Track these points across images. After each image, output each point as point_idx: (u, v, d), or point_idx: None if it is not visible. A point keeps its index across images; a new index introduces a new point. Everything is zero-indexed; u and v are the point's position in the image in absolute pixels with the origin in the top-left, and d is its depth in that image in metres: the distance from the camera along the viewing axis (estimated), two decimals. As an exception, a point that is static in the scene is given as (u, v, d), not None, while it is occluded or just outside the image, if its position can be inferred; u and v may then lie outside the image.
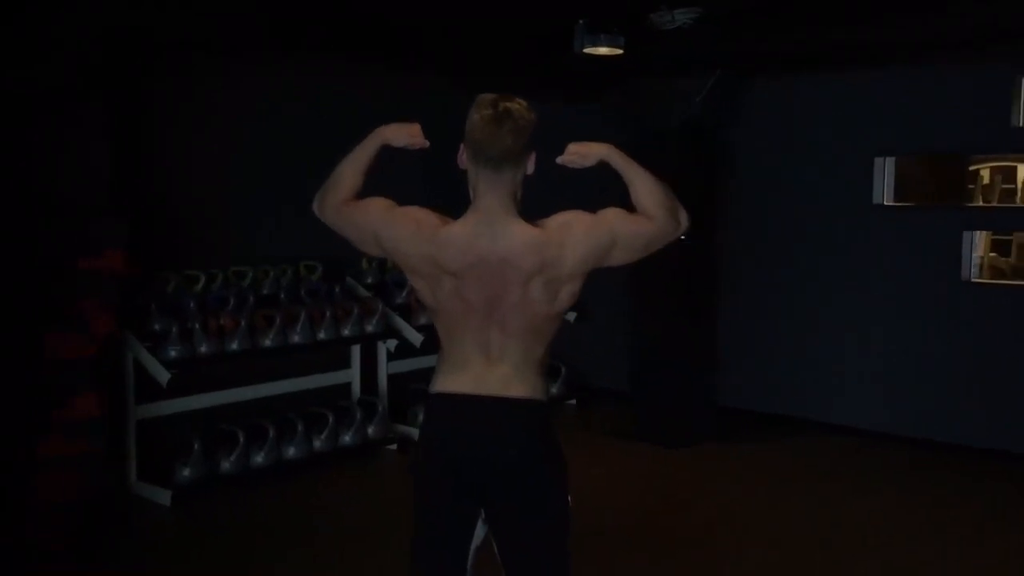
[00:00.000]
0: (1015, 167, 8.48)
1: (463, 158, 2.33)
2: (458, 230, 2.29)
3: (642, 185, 2.37)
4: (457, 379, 2.32)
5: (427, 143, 2.49)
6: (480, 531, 2.36)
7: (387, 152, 2.52)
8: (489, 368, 2.31)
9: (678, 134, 6.12)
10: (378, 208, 2.38)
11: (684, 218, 2.39)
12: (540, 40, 5.61)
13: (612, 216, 2.34)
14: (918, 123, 6.00)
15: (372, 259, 6.53)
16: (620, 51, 5.33)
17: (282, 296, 5.79)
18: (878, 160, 6.23)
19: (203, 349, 5.12)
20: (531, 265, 2.26)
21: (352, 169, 2.45)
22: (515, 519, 2.32)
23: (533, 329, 2.32)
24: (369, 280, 6.47)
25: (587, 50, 5.34)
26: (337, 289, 6.10)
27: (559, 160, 2.47)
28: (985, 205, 6.43)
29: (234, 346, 5.25)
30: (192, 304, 5.32)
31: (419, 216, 2.33)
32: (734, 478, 5.59)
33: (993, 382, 5.82)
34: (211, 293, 5.51)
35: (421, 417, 2.48)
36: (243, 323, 5.29)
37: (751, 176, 6.61)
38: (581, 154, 2.44)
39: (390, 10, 5.09)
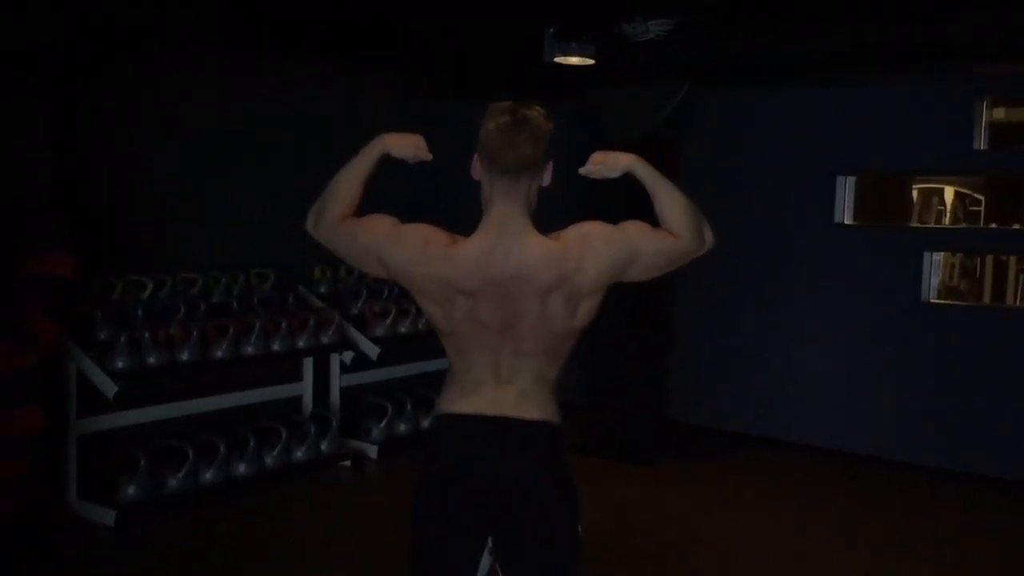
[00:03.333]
0: (942, 188, 8.68)
1: (476, 169, 2.20)
2: (471, 247, 2.15)
3: (668, 199, 2.26)
4: (468, 400, 2.18)
5: (430, 156, 2.33)
6: (485, 562, 2.21)
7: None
8: (502, 389, 2.18)
9: (639, 146, 6.02)
10: (382, 226, 2.21)
11: (710, 236, 2.29)
12: (508, 47, 5.49)
13: (634, 230, 2.22)
14: (880, 143, 6.04)
15: (325, 268, 6.33)
16: (591, 60, 5.25)
17: (234, 305, 5.54)
18: (840, 179, 6.25)
19: (152, 360, 4.85)
20: (549, 280, 2.13)
21: (350, 181, 2.27)
22: (526, 545, 2.18)
23: (550, 347, 2.19)
24: (322, 290, 6.26)
25: (558, 59, 5.24)
26: (290, 298, 5.88)
27: (582, 171, 2.36)
28: (948, 227, 6.51)
29: (184, 357, 4.99)
30: (140, 312, 5.04)
31: (428, 234, 2.18)
32: (689, 495, 5.52)
33: (951, 402, 5.86)
34: (159, 301, 5.24)
35: (428, 438, 2.30)
36: (195, 333, 5.03)
37: (711, 191, 6.54)
38: (606, 164, 2.34)
39: (355, 9, 4.92)
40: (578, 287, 2.16)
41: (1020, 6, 4.39)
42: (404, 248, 2.17)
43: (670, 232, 2.25)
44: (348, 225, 2.24)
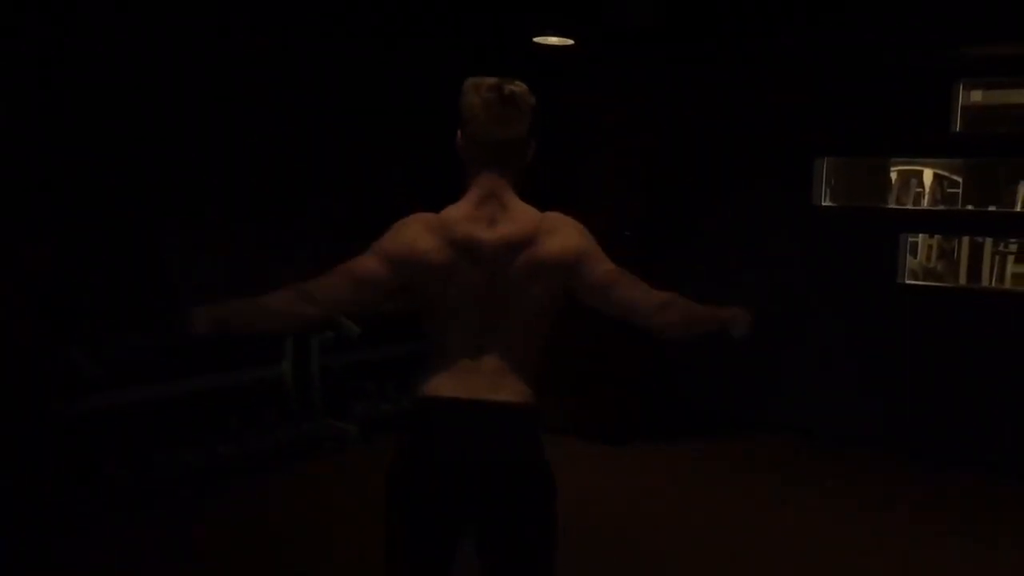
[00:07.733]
0: (921, 170, 8.73)
1: (460, 144, 2.20)
2: (453, 217, 2.15)
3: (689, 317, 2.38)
4: (446, 384, 2.17)
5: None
6: (461, 549, 2.23)
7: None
8: (478, 371, 2.17)
9: (615, 127, 6.03)
10: (377, 266, 2.16)
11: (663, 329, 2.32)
12: (489, 27, 5.48)
13: (602, 262, 2.23)
14: (858, 125, 6.06)
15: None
16: (571, 41, 5.26)
17: (213, 286, 5.52)
18: (817, 160, 6.28)
19: (130, 341, 4.84)
20: (530, 251, 2.14)
21: (268, 319, 2.23)
22: (502, 530, 2.19)
23: (527, 326, 2.19)
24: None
25: (537, 39, 5.25)
26: (270, 279, 5.85)
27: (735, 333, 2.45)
28: (925, 208, 6.57)
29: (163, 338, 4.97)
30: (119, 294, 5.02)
31: (412, 228, 2.17)
32: (667, 475, 5.56)
33: (925, 383, 5.92)
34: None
35: (405, 423, 2.28)
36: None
37: (688, 174, 6.59)
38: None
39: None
40: (545, 264, 2.16)
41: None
42: (411, 266, 2.15)
43: (651, 300, 2.27)
44: (338, 291, 2.16)
